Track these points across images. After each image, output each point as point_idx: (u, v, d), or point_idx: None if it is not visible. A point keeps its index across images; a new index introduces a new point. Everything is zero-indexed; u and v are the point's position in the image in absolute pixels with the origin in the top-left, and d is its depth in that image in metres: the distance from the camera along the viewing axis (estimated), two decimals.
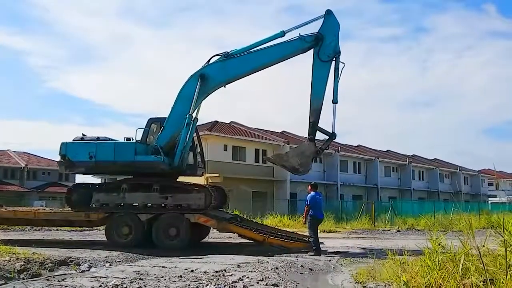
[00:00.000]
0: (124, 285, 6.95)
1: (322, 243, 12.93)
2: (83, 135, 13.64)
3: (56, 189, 56.51)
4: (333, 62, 12.58)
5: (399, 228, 21.98)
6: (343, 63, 12.58)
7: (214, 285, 6.71)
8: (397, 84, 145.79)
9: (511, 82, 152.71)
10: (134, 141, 13.25)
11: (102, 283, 7.13)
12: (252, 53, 13.00)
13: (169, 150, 12.81)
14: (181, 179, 14.19)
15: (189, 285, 6.88)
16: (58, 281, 7.73)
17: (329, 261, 10.35)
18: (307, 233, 12.58)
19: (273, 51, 12.99)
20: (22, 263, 8.76)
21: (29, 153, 61.45)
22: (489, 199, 65.01)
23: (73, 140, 13.30)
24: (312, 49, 12.72)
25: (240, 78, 13.37)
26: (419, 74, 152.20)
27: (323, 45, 12.55)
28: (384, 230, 21.03)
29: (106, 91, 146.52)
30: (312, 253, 11.37)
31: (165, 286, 6.83)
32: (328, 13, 12.73)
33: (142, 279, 7.49)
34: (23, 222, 13.84)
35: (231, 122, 39.44)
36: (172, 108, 13.08)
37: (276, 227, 21.81)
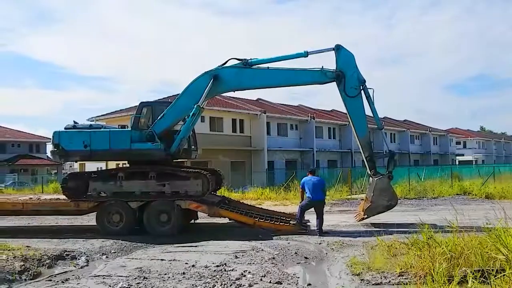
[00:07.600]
0: (132, 287, 7.16)
1: (308, 220, 13.41)
2: (75, 122, 13.48)
3: (28, 161, 55.57)
4: (362, 92, 12.69)
5: None
6: (371, 88, 12.76)
7: (221, 285, 6.98)
8: (363, 42, 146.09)
9: (474, 38, 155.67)
10: (129, 128, 13.25)
11: (110, 285, 7.31)
12: (271, 70, 12.90)
13: (164, 136, 12.89)
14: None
15: (195, 285, 7.13)
16: (62, 282, 7.85)
17: (319, 244, 10.78)
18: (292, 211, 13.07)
19: (292, 75, 12.94)
20: (21, 262, 8.82)
21: None
22: (457, 157, 67.44)
23: (65, 128, 13.16)
24: (335, 83, 12.72)
25: (251, 89, 13.51)
26: (384, 32, 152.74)
27: (347, 80, 12.56)
28: (362, 199, 21.66)
29: (67, 54, 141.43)
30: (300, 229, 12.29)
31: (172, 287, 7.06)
32: (338, 48, 12.65)
33: (146, 278, 7.69)
34: (11, 213, 13.75)
35: None
36: (177, 98, 13.17)
37: (259, 199, 22.42)
